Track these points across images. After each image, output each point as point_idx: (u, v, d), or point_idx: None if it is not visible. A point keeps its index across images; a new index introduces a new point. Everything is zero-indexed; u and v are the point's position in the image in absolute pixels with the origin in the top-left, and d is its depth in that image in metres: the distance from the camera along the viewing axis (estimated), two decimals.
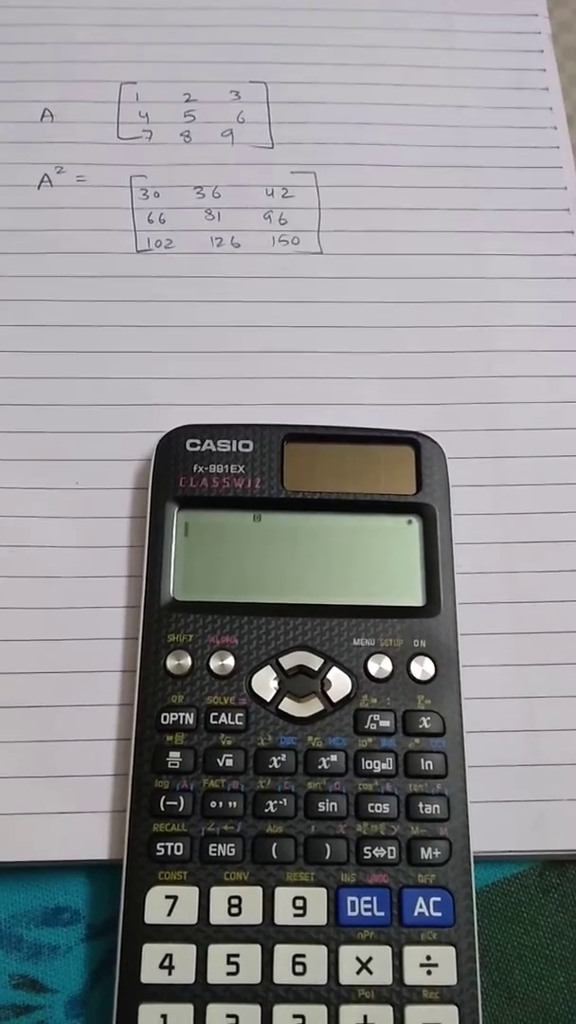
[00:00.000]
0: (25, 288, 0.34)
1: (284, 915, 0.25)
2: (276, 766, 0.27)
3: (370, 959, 0.25)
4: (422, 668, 0.28)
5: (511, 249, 0.36)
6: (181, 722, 0.27)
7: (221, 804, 0.26)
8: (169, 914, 0.25)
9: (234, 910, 0.25)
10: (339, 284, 0.35)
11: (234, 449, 0.30)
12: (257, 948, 0.25)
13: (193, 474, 0.30)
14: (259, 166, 0.37)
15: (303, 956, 0.25)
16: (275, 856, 0.26)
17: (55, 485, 0.31)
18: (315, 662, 0.28)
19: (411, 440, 0.31)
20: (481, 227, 0.36)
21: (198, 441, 0.30)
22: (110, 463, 0.32)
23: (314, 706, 0.27)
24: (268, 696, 0.27)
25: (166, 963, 0.25)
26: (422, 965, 0.25)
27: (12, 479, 0.31)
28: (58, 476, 0.31)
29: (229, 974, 0.25)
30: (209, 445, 0.30)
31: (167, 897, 0.25)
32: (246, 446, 0.30)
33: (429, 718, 0.27)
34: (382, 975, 0.25)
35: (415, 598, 0.29)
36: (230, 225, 0.36)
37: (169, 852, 0.26)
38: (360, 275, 0.35)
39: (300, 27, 0.39)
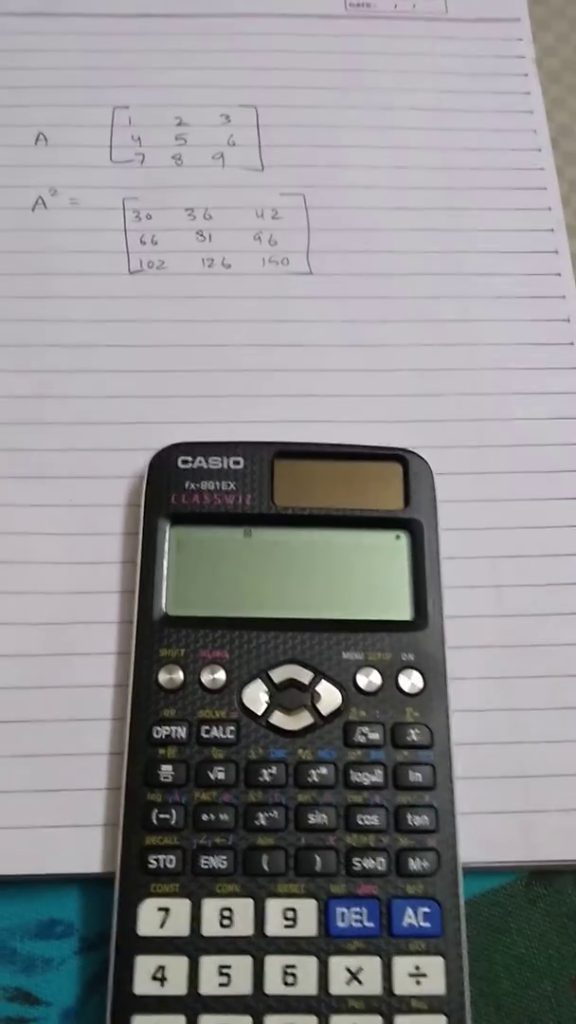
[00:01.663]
0: (20, 309, 0.35)
1: (275, 926, 0.26)
2: (267, 779, 0.27)
3: (360, 969, 0.25)
4: (410, 681, 0.28)
5: (496, 269, 0.36)
6: (173, 736, 0.27)
7: (213, 817, 0.26)
8: (162, 926, 0.25)
9: (226, 922, 0.26)
10: (328, 304, 0.35)
11: (225, 466, 0.31)
12: (248, 959, 0.25)
13: (185, 491, 0.30)
14: (249, 188, 0.37)
15: (294, 967, 0.25)
16: (266, 868, 0.26)
17: (49, 502, 0.32)
18: (305, 676, 0.28)
19: (399, 456, 0.31)
20: (467, 247, 0.37)
21: (190, 458, 0.31)
22: (103, 480, 0.32)
23: (304, 719, 0.28)
24: (259, 710, 0.28)
25: (159, 975, 0.25)
26: (411, 975, 0.25)
27: (7, 496, 0.32)
28: (52, 493, 0.32)
29: (221, 985, 0.25)
30: (200, 462, 0.31)
31: (159, 909, 0.26)
32: (237, 463, 0.31)
33: (418, 731, 0.28)
34: (372, 985, 0.25)
35: (403, 612, 0.29)
36: (221, 246, 0.36)
37: (161, 865, 0.26)
38: (348, 295, 0.36)
39: (288, 51, 0.40)
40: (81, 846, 0.27)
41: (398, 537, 0.30)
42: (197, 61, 0.40)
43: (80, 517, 0.32)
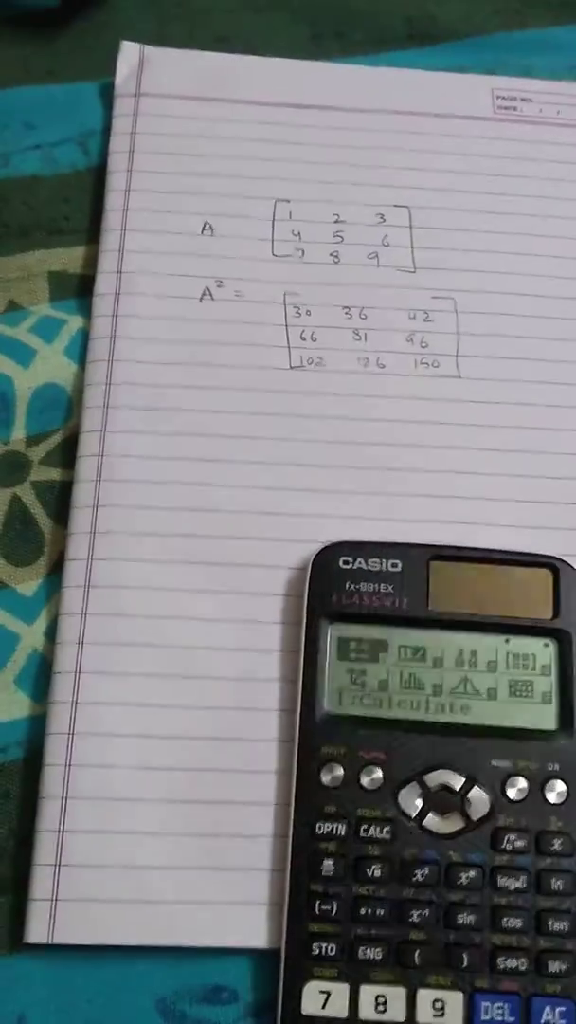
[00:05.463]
0: (188, 398, 0.37)
1: (425, 1014, 0.28)
2: (420, 879, 0.29)
3: None
4: (556, 791, 0.30)
5: None
6: (334, 832, 0.30)
7: (370, 911, 0.29)
8: (323, 1007, 0.28)
9: (380, 1007, 0.28)
10: (477, 408, 0.37)
11: (384, 568, 0.33)
12: None
13: (345, 591, 0.32)
14: (402, 289, 0.39)
15: None
16: (418, 961, 0.29)
17: (213, 588, 0.34)
18: (457, 781, 0.30)
19: (550, 564, 0.33)
20: None
21: (350, 559, 0.33)
22: (262, 569, 0.35)
23: (455, 823, 0.30)
24: (413, 812, 0.30)
25: None
26: None
27: (176, 580, 0.34)
28: (216, 580, 0.34)
29: None
30: (361, 563, 0.33)
31: (321, 992, 0.28)
32: (395, 565, 0.33)
33: (561, 840, 0.30)
34: None
35: (549, 721, 0.31)
36: (376, 346, 0.38)
37: (323, 952, 0.29)
38: (496, 400, 0.37)
39: (438, 152, 0.42)
40: (248, 922, 0.30)
41: (546, 645, 0.32)
42: (354, 158, 0.41)
43: (242, 605, 0.34)
